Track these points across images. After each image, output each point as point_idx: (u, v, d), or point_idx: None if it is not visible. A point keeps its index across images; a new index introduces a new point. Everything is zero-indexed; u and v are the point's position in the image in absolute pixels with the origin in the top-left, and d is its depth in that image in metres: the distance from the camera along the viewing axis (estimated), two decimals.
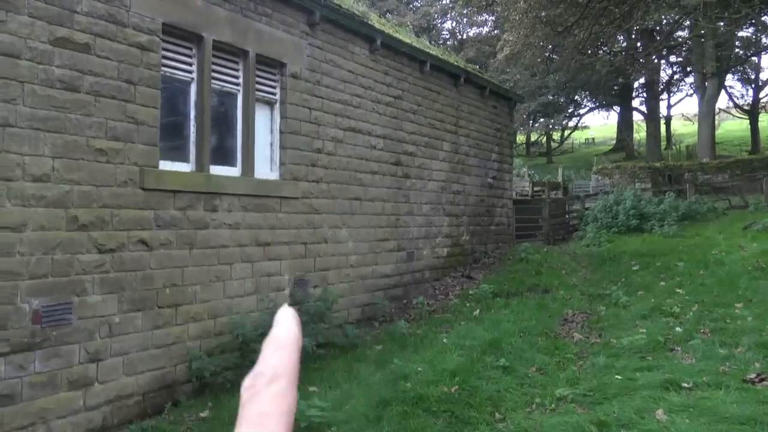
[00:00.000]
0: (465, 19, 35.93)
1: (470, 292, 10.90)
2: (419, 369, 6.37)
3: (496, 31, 33.06)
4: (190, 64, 6.88)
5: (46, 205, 5.33)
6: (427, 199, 11.36)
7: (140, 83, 6.13)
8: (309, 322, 7.64)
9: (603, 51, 28.16)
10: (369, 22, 9.63)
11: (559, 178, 28.36)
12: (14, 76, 5.09)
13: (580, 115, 41.20)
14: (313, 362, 7.08)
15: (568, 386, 5.66)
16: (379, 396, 5.65)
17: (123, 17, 5.97)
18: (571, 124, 41.70)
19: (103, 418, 5.75)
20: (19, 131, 5.13)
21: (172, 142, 6.70)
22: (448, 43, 35.97)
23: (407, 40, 10.83)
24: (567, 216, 19.49)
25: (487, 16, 34.11)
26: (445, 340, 7.58)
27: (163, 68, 6.44)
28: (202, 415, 5.93)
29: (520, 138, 42.42)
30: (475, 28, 37.04)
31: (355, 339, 8.10)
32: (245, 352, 6.84)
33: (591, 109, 41.08)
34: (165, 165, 6.47)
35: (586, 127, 46.64)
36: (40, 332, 5.27)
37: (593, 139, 50.96)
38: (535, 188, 24.98)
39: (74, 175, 5.54)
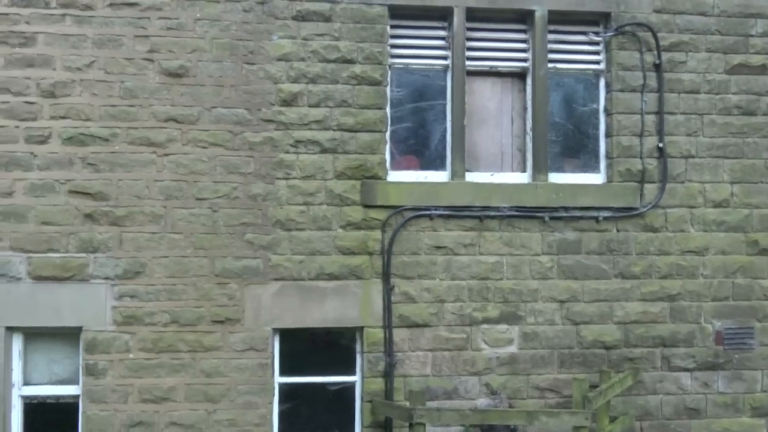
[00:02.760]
0: None
1: None
2: None
3: None
4: None
5: (726, 230, 5.46)
6: None
7: None
8: None
9: None
10: None
11: None
12: (695, 110, 5.45)
13: None
14: None
15: None
16: None
17: None
18: None
19: None
20: (700, 161, 5.45)
21: None
22: None
23: None
24: None
25: None
26: None
27: None
28: None
29: None
30: None
31: None
32: None
33: None
34: None
35: None
36: (723, 354, 5.42)
37: None
38: None
39: (753, 199, 5.49)
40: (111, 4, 4.95)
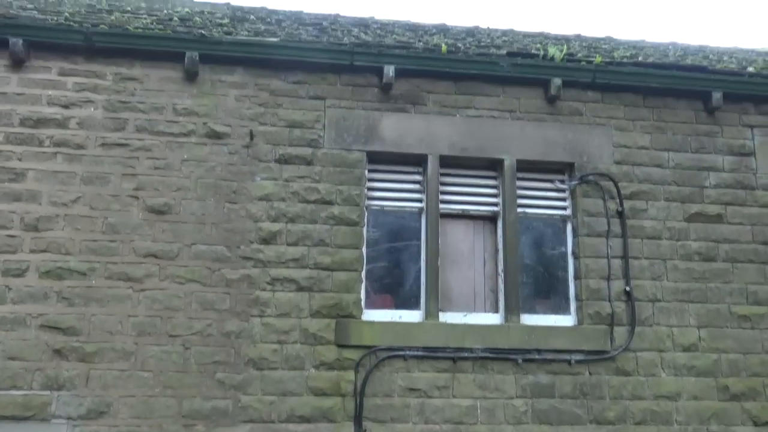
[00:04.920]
0: None
1: None
2: None
3: None
4: None
5: (697, 375, 5.50)
6: None
7: None
8: None
9: None
10: None
11: None
12: (658, 255, 5.68)
13: None
14: None
15: None
16: None
17: (751, 182, 6.00)
18: None
19: None
20: (666, 305, 5.60)
21: None
22: None
23: None
24: None
25: None
26: None
27: None
28: None
29: None
30: None
31: None
32: None
33: None
34: None
35: None
36: None
37: None
38: None
39: (720, 344, 5.59)
40: (103, 144, 5.18)
